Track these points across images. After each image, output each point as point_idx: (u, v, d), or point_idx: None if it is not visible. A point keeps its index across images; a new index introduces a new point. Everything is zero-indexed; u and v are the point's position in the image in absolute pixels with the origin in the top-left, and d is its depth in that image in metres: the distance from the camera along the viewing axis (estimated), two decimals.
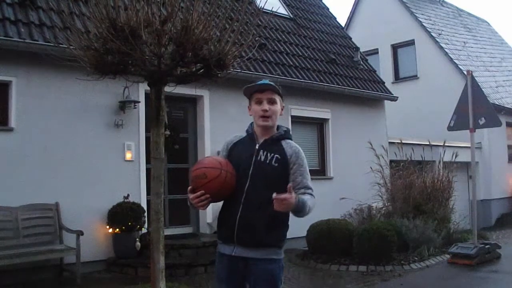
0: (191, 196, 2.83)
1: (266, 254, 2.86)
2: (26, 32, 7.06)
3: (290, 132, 3.10)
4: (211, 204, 2.92)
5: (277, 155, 2.90)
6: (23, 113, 7.08)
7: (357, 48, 13.21)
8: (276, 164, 2.88)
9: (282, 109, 3.03)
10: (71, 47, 4.00)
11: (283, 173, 2.89)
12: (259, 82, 3.00)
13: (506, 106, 16.65)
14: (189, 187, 2.85)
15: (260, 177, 2.85)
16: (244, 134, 3.09)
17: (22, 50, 6.94)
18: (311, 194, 2.89)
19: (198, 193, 2.78)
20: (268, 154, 2.90)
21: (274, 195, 2.64)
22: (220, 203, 3.02)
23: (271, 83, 2.98)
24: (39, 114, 7.21)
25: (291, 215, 2.89)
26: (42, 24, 7.37)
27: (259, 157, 2.90)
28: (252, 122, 3.05)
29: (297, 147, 2.99)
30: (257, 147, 2.94)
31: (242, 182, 2.86)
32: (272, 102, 2.94)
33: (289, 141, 3.01)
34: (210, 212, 8.31)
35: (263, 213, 2.78)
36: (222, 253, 2.96)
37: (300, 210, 2.78)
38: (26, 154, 7.03)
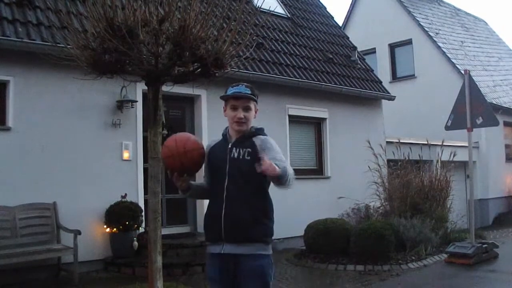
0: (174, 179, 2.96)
1: (254, 250, 2.94)
2: (23, 31, 7.06)
3: (264, 130, 3.16)
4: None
5: (248, 149, 3.00)
6: (20, 113, 7.08)
7: (355, 48, 13.20)
8: (249, 158, 2.97)
9: (256, 112, 3.13)
10: (69, 46, 4.01)
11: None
12: (235, 89, 3.06)
13: (503, 105, 16.66)
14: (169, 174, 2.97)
15: (236, 173, 2.96)
16: (221, 137, 3.19)
17: (19, 50, 6.93)
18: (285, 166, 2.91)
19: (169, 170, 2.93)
20: (241, 150, 3.01)
21: (257, 168, 2.74)
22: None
23: (247, 90, 3.05)
24: (37, 113, 7.20)
25: (274, 208, 3.02)
26: (39, 23, 7.36)
27: (232, 155, 3.01)
28: (227, 126, 3.15)
29: (266, 137, 3.08)
30: (229, 146, 3.05)
31: (221, 181, 2.98)
32: (247, 109, 3.05)
33: (260, 136, 3.09)
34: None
35: (246, 207, 2.90)
36: (212, 254, 3.04)
37: (283, 174, 2.80)
38: (24, 154, 7.02)
